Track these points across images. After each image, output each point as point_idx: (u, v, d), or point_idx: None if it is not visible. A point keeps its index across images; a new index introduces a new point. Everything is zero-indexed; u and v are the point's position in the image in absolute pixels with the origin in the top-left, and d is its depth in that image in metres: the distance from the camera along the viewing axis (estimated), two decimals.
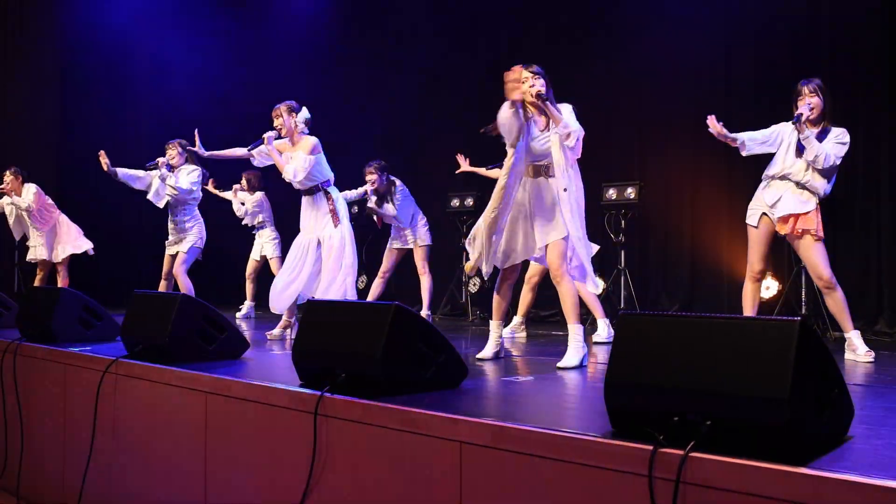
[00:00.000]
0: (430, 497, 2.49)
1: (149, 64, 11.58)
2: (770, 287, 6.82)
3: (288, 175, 5.59)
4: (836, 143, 4.66)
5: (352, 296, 5.59)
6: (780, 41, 6.99)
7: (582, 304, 5.85)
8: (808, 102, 4.71)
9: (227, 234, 8.89)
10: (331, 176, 5.78)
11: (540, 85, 4.31)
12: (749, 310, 4.97)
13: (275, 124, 5.67)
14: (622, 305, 7.37)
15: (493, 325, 4.57)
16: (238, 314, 8.14)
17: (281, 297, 5.56)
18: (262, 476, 3.12)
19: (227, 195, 8.62)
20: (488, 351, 4.50)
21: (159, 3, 11.86)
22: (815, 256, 4.67)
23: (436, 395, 2.88)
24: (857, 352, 4.64)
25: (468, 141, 9.20)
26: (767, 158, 7.05)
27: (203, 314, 3.98)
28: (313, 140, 5.64)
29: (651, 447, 1.96)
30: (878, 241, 6.49)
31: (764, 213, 4.86)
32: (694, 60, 7.47)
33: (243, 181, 8.57)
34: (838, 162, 4.67)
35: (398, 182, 7.42)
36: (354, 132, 10.15)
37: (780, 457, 1.83)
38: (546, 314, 7.87)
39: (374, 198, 7.28)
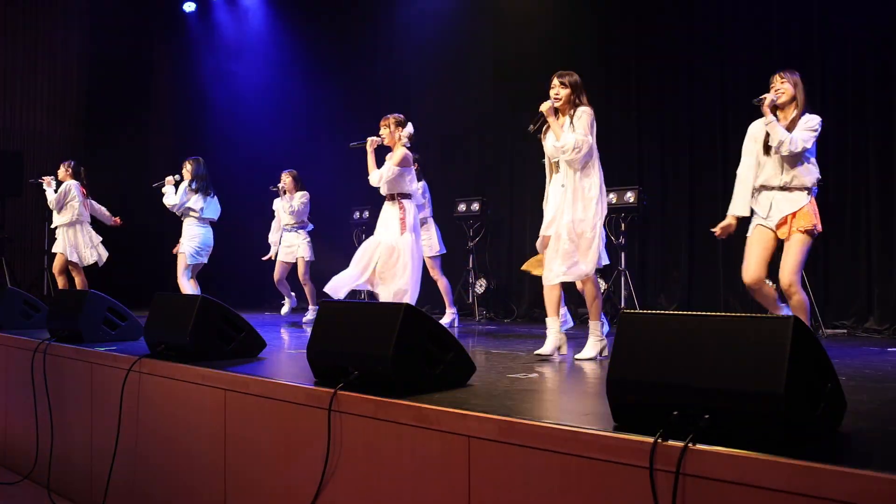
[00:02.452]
0: (439, 489, 2.48)
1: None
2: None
3: (373, 179, 5.92)
4: (805, 130, 4.26)
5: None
6: (772, 45, 6.96)
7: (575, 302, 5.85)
8: (777, 88, 4.37)
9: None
10: (412, 191, 5.96)
11: (562, 94, 4.42)
12: (773, 309, 4.51)
13: (381, 132, 5.93)
14: (623, 305, 7.35)
15: (550, 321, 4.52)
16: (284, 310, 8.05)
17: (340, 288, 5.71)
18: (279, 469, 3.12)
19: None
20: (548, 347, 4.45)
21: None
22: (793, 254, 4.26)
23: (445, 392, 2.87)
24: None
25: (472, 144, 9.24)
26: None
27: (222, 315, 3.98)
28: (403, 153, 5.86)
29: (652, 440, 1.95)
30: (868, 242, 6.46)
31: (759, 224, 4.47)
32: (692, 63, 7.47)
33: (289, 179, 7.90)
34: (808, 146, 4.25)
35: (424, 183, 7.15)
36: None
37: (777, 448, 1.82)
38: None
39: None
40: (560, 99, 4.43)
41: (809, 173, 4.32)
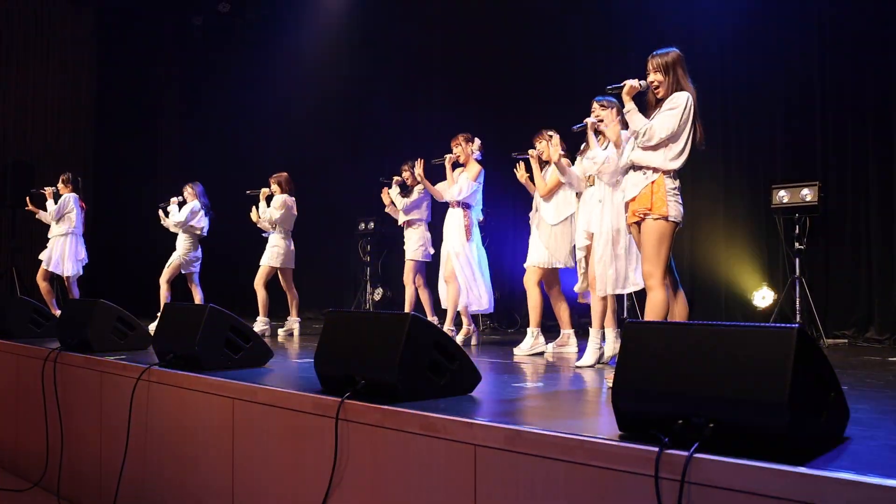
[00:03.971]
0: (446, 498, 2.48)
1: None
2: (766, 297, 6.80)
3: (452, 193, 6.31)
4: (665, 112, 3.78)
5: (485, 305, 6.32)
6: (775, 49, 6.96)
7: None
8: (651, 80, 3.88)
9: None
10: (475, 203, 6.40)
11: (602, 115, 4.66)
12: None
13: (454, 151, 6.32)
14: (625, 315, 7.34)
15: (593, 332, 4.66)
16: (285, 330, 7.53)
17: (472, 303, 6.31)
18: (286, 477, 3.12)
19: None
20: (589, 358, 4.56)
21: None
22: (648, 242, 3.76)
23: (451, 401, 2.87)
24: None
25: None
26: (770, 169, 7.01)
27: (230, 325, 3.99)
28: (478, 168, 6.31)
29: (657, 449, 1.95)
30: (868, 254, 6.46)
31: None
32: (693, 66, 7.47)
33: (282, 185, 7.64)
34: (673, 130, 3.74)
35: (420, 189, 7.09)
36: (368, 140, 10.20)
37: (781, 457, 1.82)
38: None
39: (397, 188, 7.09)
40: (591, 118, 4.74)
41: (658, 151, 3.83)
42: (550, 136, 5.29)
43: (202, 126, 12.58)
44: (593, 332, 4.69)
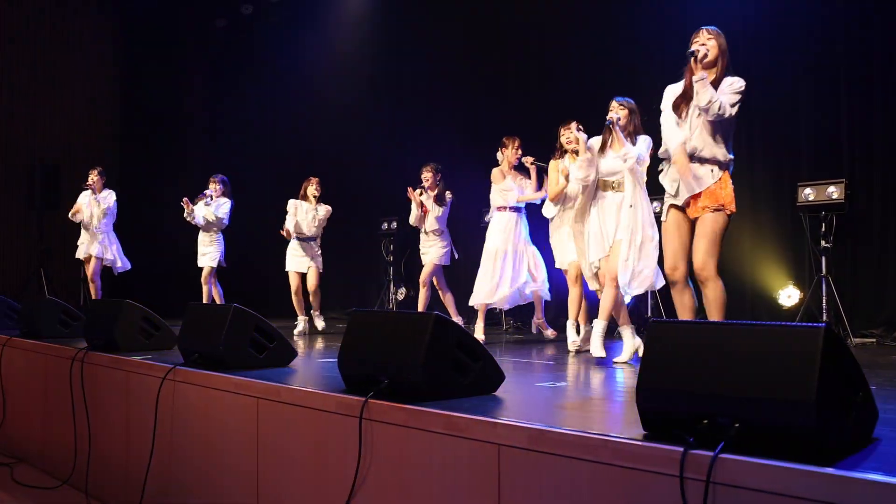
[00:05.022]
0: (469, 498, 2.48)
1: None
2: (791, 295, 6.73)
3: (549, 210, 6.16)
4: (731, 93, 3.82)
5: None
6: (799, 44, 6.89)
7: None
8: (704, 43, 3.89)
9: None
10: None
11: (622, 115, 4.82)
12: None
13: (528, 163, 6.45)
14: (649, 314, 7.30)
15: (626, 330, 4.82)
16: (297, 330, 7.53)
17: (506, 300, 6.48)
18: (310, 476, 3.13)
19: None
20: (625, 355, 4.71)
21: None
22: (713, 235, 3.83)
23: (474, 400, 2.87)
24: None
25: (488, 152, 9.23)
26: (795, 166, 6.91)
27: (254, 324, 4.01)
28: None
29: (682, 449, 1.94)
30: None
31: (672, 205, 4.04)
32: None
33: (316, 189, 7.65)
34: (732, 113, 3.82)
35: (449, 194, 7.24)
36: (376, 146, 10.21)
37: (808, 458, 1.80)
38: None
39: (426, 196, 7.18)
40: (612, 115, 4.85)
41: (721, 144, 3.92)
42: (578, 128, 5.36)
43: (227, 126, 12.66)
44: (626, 330, 4.80)
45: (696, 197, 3.92)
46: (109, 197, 8.89)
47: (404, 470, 2.72)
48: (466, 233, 8.25)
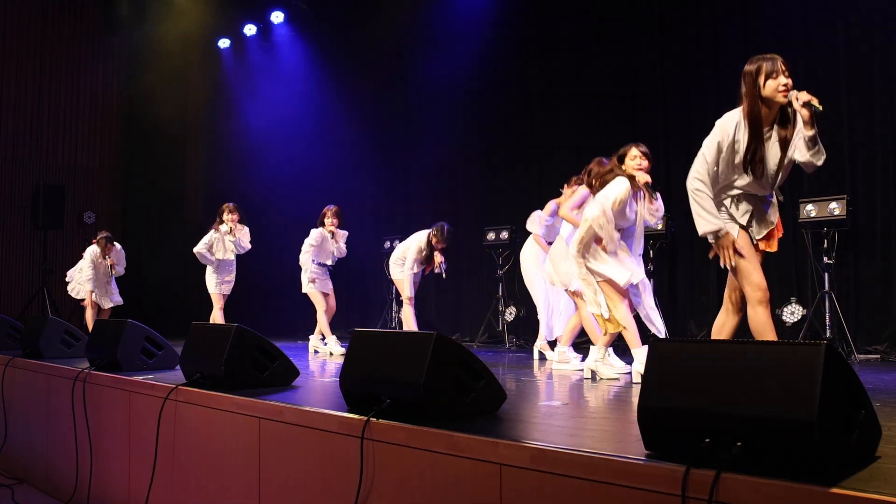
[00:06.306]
0: None
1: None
2: (795, 312, 6.71)
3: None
4: None
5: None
6: (800, 59, 6.88)
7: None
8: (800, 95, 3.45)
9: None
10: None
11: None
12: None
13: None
14: (652, 332, 7.27)
15: (639, 351, 4.83)
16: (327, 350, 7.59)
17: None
18: (312, 496, 3.12)
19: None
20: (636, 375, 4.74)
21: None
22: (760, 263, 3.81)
23: (476, 420, 2.86)
24: None
25: (502, 173, 9.26)
26: (796, 183, 6.90)
27: (256, 344, 4.01)
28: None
29: (684, 468, 1.93)
30: None
31: (742, 227, 3.85)
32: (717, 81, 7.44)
33: (335, 217, 7.75)
34: None
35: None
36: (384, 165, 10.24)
37: (810, 477, 1.79)
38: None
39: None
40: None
41: None
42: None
43: (231, 147, 12.70)
44: (639, 351, 4.77)
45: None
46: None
47: (406, 490, 2.70)
48: None
